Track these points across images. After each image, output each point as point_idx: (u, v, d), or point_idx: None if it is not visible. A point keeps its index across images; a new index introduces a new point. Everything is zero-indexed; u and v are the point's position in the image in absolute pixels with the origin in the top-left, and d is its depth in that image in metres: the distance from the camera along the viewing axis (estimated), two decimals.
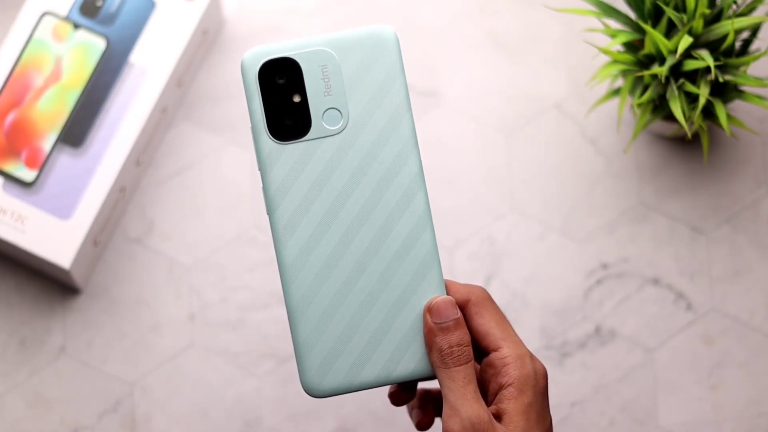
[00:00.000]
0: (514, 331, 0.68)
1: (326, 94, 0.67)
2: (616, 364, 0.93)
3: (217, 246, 0.94)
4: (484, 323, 0.68)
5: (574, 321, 0.94)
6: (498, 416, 0.67)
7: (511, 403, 0.66)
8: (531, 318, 0.94)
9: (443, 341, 0.67)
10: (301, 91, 0.67)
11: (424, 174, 0.68)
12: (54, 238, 0.88)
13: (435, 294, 0.68)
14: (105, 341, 0.93)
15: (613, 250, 0.95)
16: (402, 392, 0.73)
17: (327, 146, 0.67)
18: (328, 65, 0.66)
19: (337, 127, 0.67)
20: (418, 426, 0.74)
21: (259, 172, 0.67)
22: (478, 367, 0.70)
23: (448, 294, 0.69)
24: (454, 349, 0.67)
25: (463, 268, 0.94)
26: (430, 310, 0.67)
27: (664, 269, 0.94)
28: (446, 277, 0.94)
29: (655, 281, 0.94)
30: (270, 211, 0.67)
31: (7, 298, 0.94)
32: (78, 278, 0.91)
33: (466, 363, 0.67)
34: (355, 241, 0.67)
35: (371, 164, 0.67)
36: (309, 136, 0.67)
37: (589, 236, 0.95)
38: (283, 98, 0.66)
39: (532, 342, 0.93)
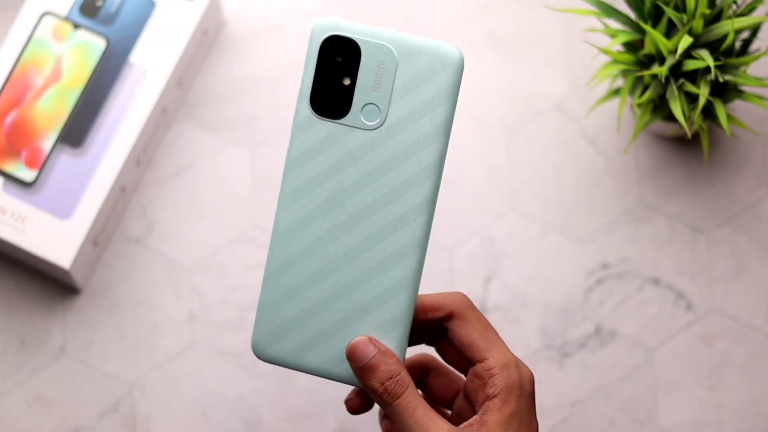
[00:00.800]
0: (498, 337, 0.68)
1: (374, 89, 0.67)
2: (616, 364, 0.93)
3: (217, 246, 0.94)
4: (468, 334, 0.68)
5: (574, 321, 0.94)
6: (479, 426, 0.67)
7: (494, 414, 0.66)
8: (531, 318, 0.94)
9: (373, 381, 0.66)
10: (353, 76, 0.67)
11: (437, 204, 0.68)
12: (54, 238, 0.88)
13: (392, 321, 0.67)
14: (105, 341, 0.93)
15: (613, 250, 0.95)
16: (358, 399, 0.72)
17: (355, 137, 0.67)
18: (386, 62, 0.66)
19: (372, 123, 0.67)
20: None
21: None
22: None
23: (425, 307, 0.68)
24: (386, 385, 0.66)
25: (463, 268, 0.94)
26: (348, 357, 0.67)
27: (664, 269, 0.94)
28: (446, 276, 0.94)
29: (655, 281, 0.94)
30: (284, 174, 0.67)
31: (7, 298, 0.94)
32: (78, 278, 0.91)
33: (404, 392, 0.66)
34: (346, 236, 0.67)
35: (388, 172, 0.67)
36: (343, 121, 0.67)
37: (589, 236, 0.95)
38: (334, 76, 0.67)
39: (532, 342, 0.93)
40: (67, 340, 0.93)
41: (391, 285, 0.67)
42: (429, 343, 0.72)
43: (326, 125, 0.67)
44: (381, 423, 0.75)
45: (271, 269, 0.68)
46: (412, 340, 0.71)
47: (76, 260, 0.89)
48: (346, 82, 0.67)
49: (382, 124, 0.67)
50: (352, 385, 0.68)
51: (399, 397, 0.66)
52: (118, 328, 0.93)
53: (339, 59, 0.67)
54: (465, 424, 0.67)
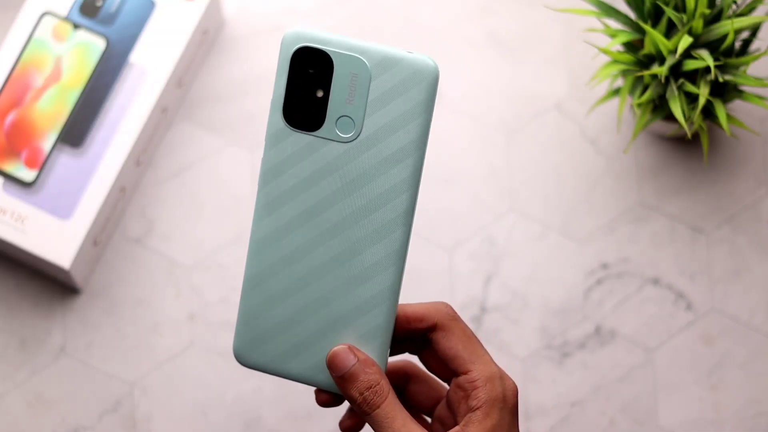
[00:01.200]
0: (483, 349, 0.68)
1: (348, 101, 0.66)
2: (616, 364, 0.93)
3: (217, 246, 0.94)
4: (451, 346, 0.68)
5: (574, 321, 0.94)
6: None
7: (475, 426, 0.66)
8: (531, 318, 0.94)
9: (352, 390, 0.67)
10: (326, 89, 0.66)
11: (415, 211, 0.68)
12: (54, 238, 0.88)
13: (373, 332, 0.67)
14: (105, 341, 0.93)
15: (613, 250, 0.95)
16: (350, 421, 0.72)
17: (331, 149, 0.66)
18: (359, 75, 0.65)
19: (346, 136, 0.66)
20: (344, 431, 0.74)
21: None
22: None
23: (408, 317, 0.68)
24: (365, 395, 0.66)
25: (463, 268, 0.94)
26: (328, 364, 0.67)
27: (664, 269, 0.94)
28: (446, 276, 0.94)
29: (655, 281, 0.94)
30: (259, 185, 0.67)
31: (7, 298, 0.94)
32: (78, 278, 0.91)
33: (383, 402, 0.66)
34: (324, 246, 0.67)
35: (365, 184, 0.66)
36: (318, 133, 0.66)
37: (589, 236, 0.95)
38: (307, 88, 0.66)
39: (532, 342, 0.93)
40: (67, 340, 0.93)
41: (370, 296, 0.67)
42: (413, 353, 0.71)
43: (300, 137, 0.66)
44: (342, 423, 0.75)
45: (250, 277, 0.67)
46: (396, 350, 0.71)
47: (76, 260, 0.89)
48: (319, 94, 0.66)
49: (357, 137, 0.66)
50: (336, 392, 0.68)
51: (378, 407, 0.66)
52: (118, 328, 0.93)
53: (311, 71, 0.66)
54: None
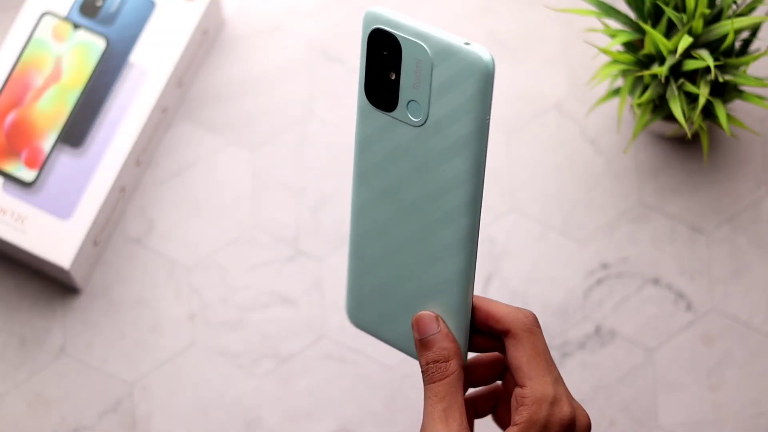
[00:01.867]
0: (547, 370, 0.66)
1: (414, 86, 0.67)
2: (616, 364, 0.93)
3: (217, 246, 0.94)
4: (517, 356, 0.67)
5: (574, 321, 0.94)
6: None
7: None
8: None
9: (422, 358, 0.67)
10: (397, 71, 0.67)
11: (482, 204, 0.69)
12: (54, 238, 0.88)
13: (447, 313, 0.68)
14: (105, 341, 0.93)
15: (613, 250, 0.95)
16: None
17: (404, 132, 0.67)
18: (422, 61, 0.66)
19: (416, 120, 0.67)
20: None
21: None
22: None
23: (488, 314, 0.68)
24: (430, 366, 0.67)
25: None
26: (413, 324, 0.68)
27: (664, 269, 0.94)
28: None
29: (655, 281, 0.94)
30: (355, 153, 0.69)
31: (7, 298, 0.94)
32: (78, 278, 0.91)
33: (441, 380, 0.66)
34: (403, 224, 0.68)
35: (432, 170, 0.67)
36: (393, 114, 0.67)
37: (589, 236, 0.95)
38: (382, 69, 0.67)
39: None
40: (67, 340, 0.93)
41: (444, 278, 0.68)
42: (501, 352, 0.71)
43: (380, 116, 0.68)
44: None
45: (355, 240, 0.70)
46: (483, 347, 0.70)
47: (76, 260, 0.89)
48: (392, 76, 0.67)
49: (425, 122, 0.67)
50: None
51: (434, 383, 0.66)
52: (118, 328, 0.93)
53: (385, 53, 0.67)
54: None
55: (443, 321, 0.68)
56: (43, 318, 0.93)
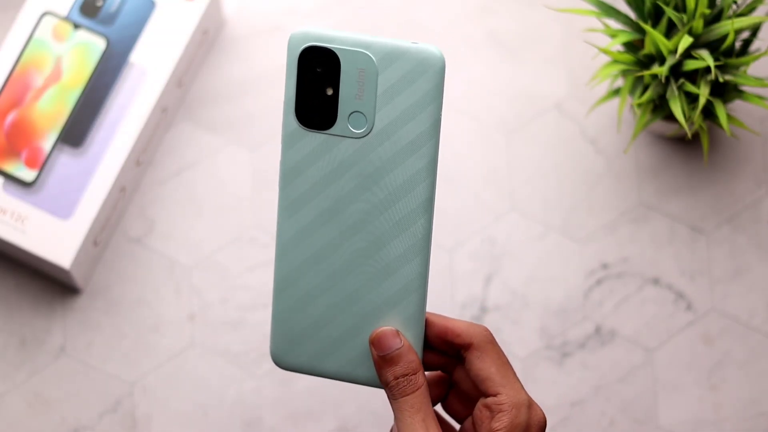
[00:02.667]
0: (515, 377, 0.68)
1: (357, 97, 0.66)
2: (616, 364, 0.93)
3: (217, 246, 0.94)
4: (485, 368, 0.68)
5: (574, 321, 0.94)
6: None
7: None
8: (531, 318, 0.94)
9: (388, 373, 0.67)
10: (335, 86, 0.66)
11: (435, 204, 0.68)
12: (54, 238, 0.88)
13: (406, 322, 0.68)
14: (105, 341, 0.93)
15: (613, 250, 0.95)
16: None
17: (346, 146, 0.66)
18: (366, 69, 0.66)
19: (360, 131, 0.66)
20: None
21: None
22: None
23: (447, 329, 0.68)
24: (399, 380, 0.67)
25: (463, 268, 0.94)
26: (372, 342, 0.67)
27: (664, 269, 0.94)
28: (446, 276, 0.94)
29: (655, 281, 0.94)
30: (280, 187, 0.67)
31: (7, 298, 0.94)
32: (78, 278, 0.91)
33: (413, 392, 0.67)
34: (349, 243, 0.67)
35: (383, 178, 0.67)
36: (331, 131, 0.66)
37: (589, 236, 0.95)
38: (316, 87, 0.66)
39: (532, 342, 0.93)
40: (67, 340, 0.93)
41: (399, 289, 0.67)
42: (445, 370, 0.71)
43: (315, 136, 0.66)
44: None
45: (279, 280, 0.68)
46: (430, 364, 0.71)
47: (76, 260, 0.89)
48: (329, 92, 0.66)
49: (370, 132, 0.66)
50: (373, 386, 0.68)
51: (407, 396, 0.67)
52: (118, 328, 0.93)
53: (319, 70, 0.66)
54: None
55: (402, 334, 0.67)
56: (43, 318, 0.93)
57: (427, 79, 0.66)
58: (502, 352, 0.69)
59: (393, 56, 0.66)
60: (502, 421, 0.67)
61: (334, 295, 0.68)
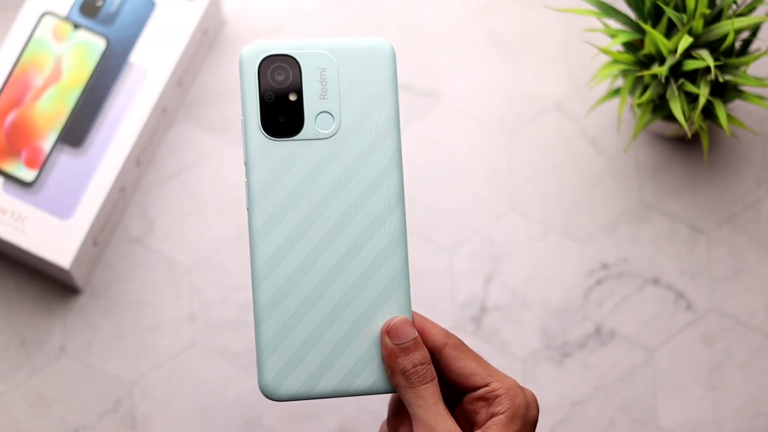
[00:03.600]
0: (495, 368, 0.69)
1: (322, 97, 0.67)
2: (616, 364, 0.93)
3: (217, 246, 0.94)
4: (465, 365, 0.68)
5: (574, 321, 0.94)
6: None
7: (498, 429, 0.67)
8: (531, 318, 0.94)
9: (406, 361, 0.67)
10: (298, 90, 0.67)
11: (405, 190, 0.69)
12: (54, 238, 0.88)
13: (397, 315, 0.68)
14: (105, 341, 0.93)
15: (613, 250, 0.95)
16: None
17: (316, 149, 0.67)
18: (327, 69, 0.67)
19: (328, 132, 0.67)
20: None
21: (244, 167, 0.67)
22: None
23: (424, 330, 0.69)
24: (418, 368, 0.67)
25: (463, 268, 0.94)
26: (388, 331, 0.67)
27: (664, 269, 0.94)
28: (446, 276, 0.94)
29: (655, 281, 0.94)
30: (250, 208, 0.66)
31: (7, 298, 0.94)
32: (78, 278, 0.91)
33: (431, 381, 0.67)
34: (329, 251, 0.67)
35: (355, 175, 0.67)
36: (300, 136, 0.66)
37: (589, 236, 0.95)
38: (280, 95, 0.67)
39: (532, 342, 0.93)
40: (67, 340, 0.93)
41: (386, 284, 0.67)
42: None
43: (284, 146, 0.66)
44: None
45: (261, 309, 0.67)
46: None
47: (76, 260, 0.89)
48: (293, 97, 0.67)
49: (338, 130, 0.67)
50: (373, 393, 0.68)
51: (427, 383, 0.67)
52: (118, 328, 0.93)
53: (280, 77, 0.66)
54: None
55: (412, 324, 0.68)
56: (43, 318, 0.93)
57: (385, 70, 0.67)
58: (474, 351, 0.70)
59: (348, 52, 0.67)
60: (503, 405, 0.67)
61: (320, 309, 0.67)
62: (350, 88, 0.67)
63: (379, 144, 0.67)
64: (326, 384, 0.67)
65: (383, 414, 0.92)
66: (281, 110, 0.67)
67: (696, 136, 0.95)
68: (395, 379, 0.67)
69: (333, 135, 0.67)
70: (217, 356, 0.93)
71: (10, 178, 0.89)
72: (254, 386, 0.92)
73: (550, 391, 0.93)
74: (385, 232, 0.67)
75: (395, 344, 0.67)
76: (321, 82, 0.67)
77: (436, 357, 0.69)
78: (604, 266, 0.94)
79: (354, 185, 0.67)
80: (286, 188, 0.67)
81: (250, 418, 0.92)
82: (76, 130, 0.90)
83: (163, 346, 0.93)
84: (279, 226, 0.67)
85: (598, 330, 0.94)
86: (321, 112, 0.67)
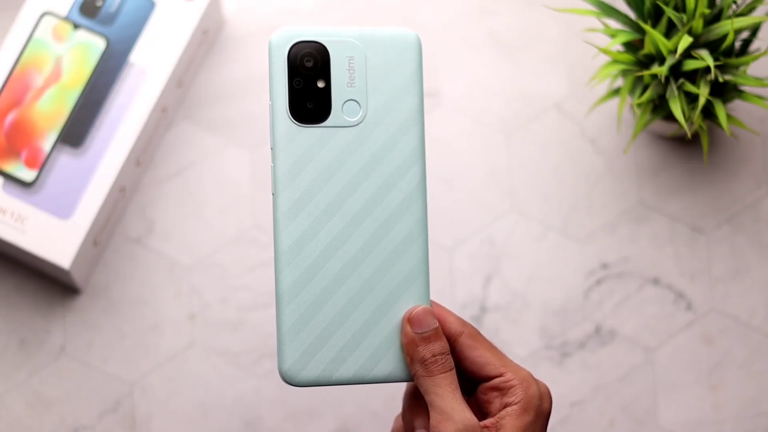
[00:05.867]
0: (509, 358, 0.69)
1: (349, 85, 0.67)
2: (616, 364, 0.93)
3: (217, 246, 0.94)
4: (481, 354, 0.69)
5: (574, 321, 0.94)
6: (495, 429, 0.67)
7: (512, 419, 0.67)
8: (531, 318, 0.94)
9: (425, 350, 0.67)
10: (326, 77, 0.67)
11: (427, 181, 0.69)
12: (54, 238, 0.88)
13: (419, 303, 0.68)
14: (105, 341, 0.93)
15: (613, 250, 0.95)
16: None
17: (342, 136, 0.67)
18: (355, 57, 0.67)
19: (354, 119, 0.67)
20: None
21: (271, 152, 0.67)
22: None
23: (440, 317, 0.69)
24: (437, 357, 0.67)
25: (463, 268, 0.94)
26: (410, 320, 0.68)
27: (664, 269, 0.94)
28: (446, 276, 0.94)
29: (655, 281, 0.94)
30: (276, 192, 0.67)
31: (7, 298, 0.94)
32: (78, 278, 0.91)
33: (450, 370, 0.67)
34: (353, 237, 0.67)
35: (380, 163, 0.67)
36: (327, 123, 0.67)
37: (589, 236, 0.95)
38: (308, 81, 0.67)
39: (532, 342, 0.93)
40: (67, 340, 0.93)
41: (408, 270, 0.68)
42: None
43: (311, 131, 0.67)
44: (395, 421, 0.75)
45: (284, 293, 0.67)
46: None
47: (76, 260, 0.89)
48: (321, 84, 0.67)
49: (364, 118, 0.67)
50: (391, 381, 0.68)
51: (446, 372, 0.67)
52: (118, 328, 0.93)
53: (309, 64, 0.67)
54: (481, 423, 0.67)
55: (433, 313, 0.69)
56: (43, 318, 0.93)
57: (411, 59, 0.67)
58: (490, 341, 0.70)
59: (376, 41, 0.67)
60: (516, 395, 0.68)
61: (341, 296, 0.67)
62: (377, 78, 0.67)
63: (404, 134, 0.67)
64: (345, 371, 0.68)
65: (384, 414, 0.92)
66: (309, 97, 0.67)
67: (696, 136, 0.95)
68: (414, 368, 0.68)
69: (359, 123, 0.67)
70: (217, 356, 0.93)
71: (10, 178, 0.89)
72: (254, 386, 0.93)
73: (551, 391, 0.93)
74: (407, 221, 0.67)
75: (416, 333, 0.67)
76: (349, 70, 0.67)
77: (451, 345, 0.69)
78: (604, 266, 0.94)
79: (378, 174, 0.67)
80: (311, 174, 0.67)
81: (250, 418, 0.92)
82: (76, 130, 0.90)
83: (163, 346, 0.93)
84: (303, 212, 0.67)
85: (598, 330, 0.94)
86: (348, 100, 0.67)
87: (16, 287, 0.94)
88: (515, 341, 0.93)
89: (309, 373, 0.67)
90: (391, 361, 0.68)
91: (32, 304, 0.93)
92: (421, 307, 0.68)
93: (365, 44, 0.67)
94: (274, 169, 0.67)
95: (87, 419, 0.92)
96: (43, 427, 0.92)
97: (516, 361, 0.93)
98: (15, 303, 0.94)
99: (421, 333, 0.68)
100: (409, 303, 0.68)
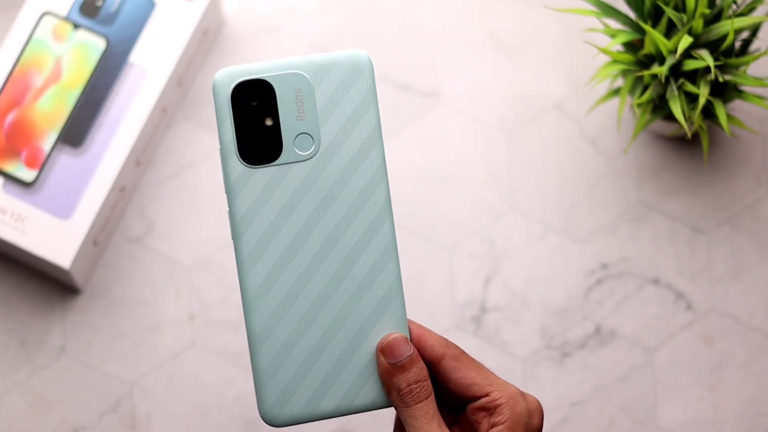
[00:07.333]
0: (496, 376, 0.68)
1: (299, 118, 0.65)
2: (616, 364, 0.93)
3: (217, 246, 0.94)
4: (465, 375, 0.68)
5: (574, 321, 0.94)
6: None
7: None
8: (531, 318, 0.94)
9: (401, 380, 0.66)
10: (274, 114, 0.65)
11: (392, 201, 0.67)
12: (54, 238, 0.88)
13: (395, 329, 0.67)
14: (105, 341, 0.93)
15: (613, 250, 0.95)
16: None
17: (297, 172, 0.66)
18: (302, 89, 0.65)
19: (308, 153, 0.65)
20: None
21: (226, 196, 0.66)
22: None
23: (421, 340, 0.68)
24: (412, 387, 0.66)
25: (463, 269, 0.94)
26: (383, 349, 0.67)
27: (664, 269, 0.94)
28: (446, 276, 0.94)
29: (655, 281, 0.94)
30: (235, 237, 0.66)
31: (7, 298, 0.94)
32: (78, 278, 0.91)
33: (426, 398, 0.66)
34: (320, 271, 0.66)
35: (340, 192, 0.66)
36: (279, 160, 0.65)
37: (589, 236, 0.95)
38: (255, 121, 0.65)
39: (532, 342, 0.93)
40: (67, 340, 0.93)
41: (380, 298, 0.66)
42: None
43: (264, 172, 0.65)
44: None
45: (256, 336, 0.66)
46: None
47: (76, 260, 0.89)
48: (269, 122, 0.65)
49: (318, 150, 0.66)
50: (375, 409, 0.67)
51: (421, 402, 0.66)
52: (118, 328, 0.93)
53: (254, 103, 0.65)
54: None
55: (408, 340, 0.67)
56: (43, 318, 0.93)
57: (363, 81, 0.66)
58: (475, 359, 0.69)
59: (324, 69, 0.65)
60: (503, 414, 0.67)
61: (316, 330, 0.66)
62: (328, 106, 0.65)
63: (363, 158, 0.66)
64: (327, 404, 0.67)
65: (384, 414, 0.92)
66: (258, 137, 0.65)
67: (696, 136, 0.95)
68: (391, 397, 0.67)
69: (314, 155, 0.65)
70: (217, 356, 0.93)
71: (10, 178, 0.89)
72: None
73: (550, 391, 0.93)
74: (376, 246, 0.66)
75: (390, 362, 0.66)
76: (297, 103, 0.65)
77: (434, 368, 0.68)
78: (604, 266, 0.94)
79: (340, 202, 0.66)
80: (270, 214, 0.66)
81: (250, 418, 0.92)
82: (76, 130, 0.90)
83: (162, 346, 0.93)
84: (266, 253, 0.66)
85: (598, 330, 0.94)
86: (299, 134, 0.65)
87: (16, 287, 0.94)
88: (515, 341, 0.93)
89: (290, 410, 0.67)
90: (372, 389, 0.67)
91: (32, 304, 0.93)
92: (394, 335, 0.67)
93: (312, 73, 0.65)
94: (230, 214, 0.65)
95: (87, 419, 0.92)
96: (43, 427, 0.92)
97: (516, 361, 0.93)
98: (15, 303, 0.94)
99: (395, 362, 0.66)
100: (385, 329, 0.67)
